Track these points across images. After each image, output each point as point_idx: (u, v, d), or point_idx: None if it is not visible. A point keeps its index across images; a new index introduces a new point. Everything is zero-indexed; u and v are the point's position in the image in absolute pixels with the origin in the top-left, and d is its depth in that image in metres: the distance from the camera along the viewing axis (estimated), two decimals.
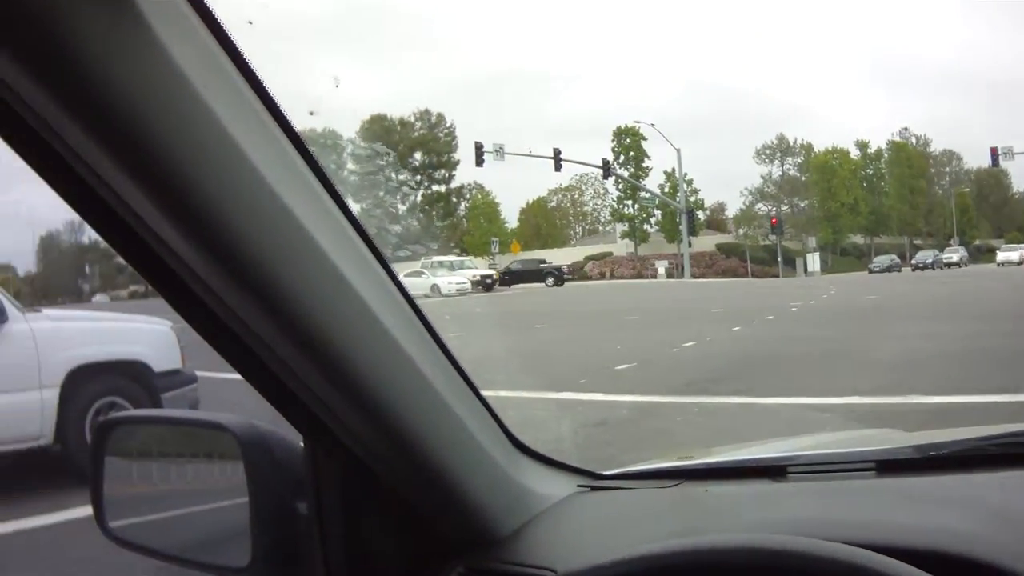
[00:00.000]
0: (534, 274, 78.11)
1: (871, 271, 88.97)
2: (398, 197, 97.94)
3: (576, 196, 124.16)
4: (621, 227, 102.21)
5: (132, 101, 1.22)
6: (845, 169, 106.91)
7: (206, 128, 1.33)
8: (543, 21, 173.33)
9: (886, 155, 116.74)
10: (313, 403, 1.78)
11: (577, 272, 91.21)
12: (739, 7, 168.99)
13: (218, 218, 1.39)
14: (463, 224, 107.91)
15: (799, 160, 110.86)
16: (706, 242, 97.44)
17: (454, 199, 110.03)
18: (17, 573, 8.76)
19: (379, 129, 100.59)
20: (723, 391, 14.73)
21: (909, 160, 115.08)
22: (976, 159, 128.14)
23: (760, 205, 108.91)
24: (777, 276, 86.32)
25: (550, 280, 75.88)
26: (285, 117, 1.50)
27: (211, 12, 1.31)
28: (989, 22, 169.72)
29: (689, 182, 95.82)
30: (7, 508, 10.13)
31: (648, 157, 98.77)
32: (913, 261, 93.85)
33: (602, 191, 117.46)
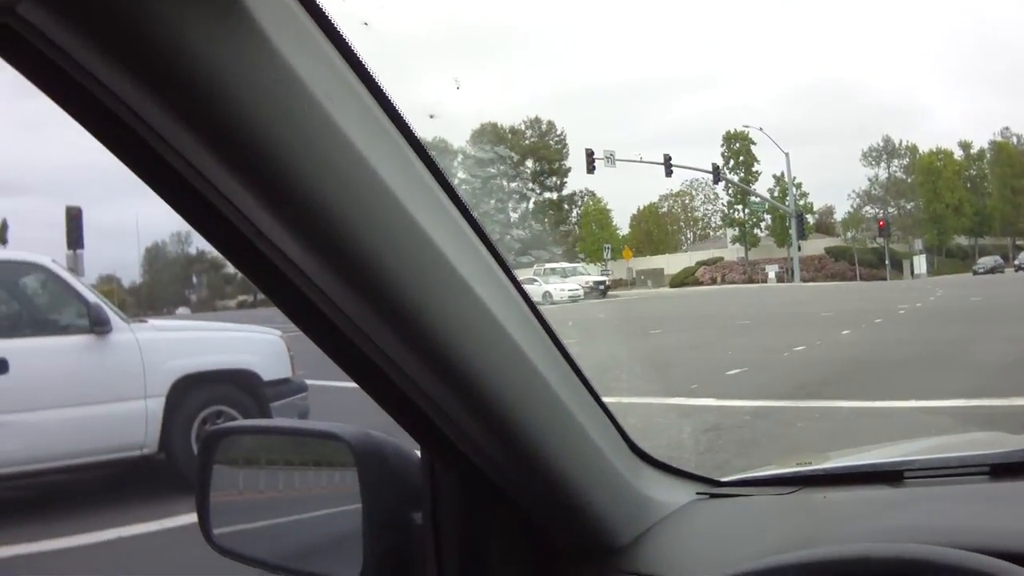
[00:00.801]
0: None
1: (975, 273, 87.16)
2: (510, 205, 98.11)
3: (687, 201, 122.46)
4: (731, 232, 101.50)
5: (249, 110, 1.21)
6: (949, 170, 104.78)
7: (327, 136, 1.31)
8: (650, 30, 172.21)
9: (988, 155, 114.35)
10: (433, 412, 1.74)
11: (688, 277, 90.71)
12: (842, 9, 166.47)
13: (339, 226, 1.37)
14: (575, 231, 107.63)
15: (904, 162, 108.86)
16: (815, 246, 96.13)
17: (566, 206, 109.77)
18: None
19: (490, 137, 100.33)
20: (833, 395, 14.61)
21: (1010, 159, 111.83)
22: None
23: (867, 208, 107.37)
24: (884, 279, 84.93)
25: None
26: (405, 122, 1.47)
27: (327, 17, 1.30)
28: None
29: (798, 186, 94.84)
30: (112, 515, 10.25)
31: (757, 161, 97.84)
32: (1016, 262, 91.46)
33: (712, 196, 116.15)
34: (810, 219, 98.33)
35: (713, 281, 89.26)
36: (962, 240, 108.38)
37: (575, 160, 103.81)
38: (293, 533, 2.29)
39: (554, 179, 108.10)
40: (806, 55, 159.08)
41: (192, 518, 2.26)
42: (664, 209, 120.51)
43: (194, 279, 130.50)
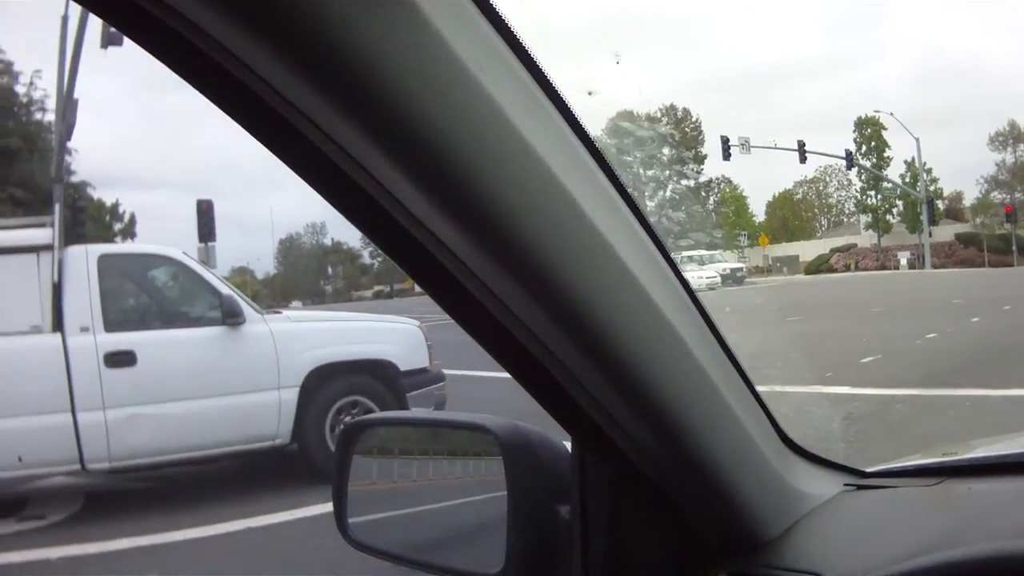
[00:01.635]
0: None
1: None
2: (647, 192, 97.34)
3: (821, 188, 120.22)
4: (864, 218, 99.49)
5: (408, 94, 1.16)
6: None
7: (487, 118, 1.26)
8: (781, 14, 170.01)
9: None
10: (587, 402, 1.66)
11: (823, 264, 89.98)
12: None
13: (500, 211, 1.31)
14: (712, 218, 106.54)
15: None
16: (945, 232, 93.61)
17: (703, 193, 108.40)
18: (254, 569, 8.90)
19: (627, 125, 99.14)
20: (964, 383, 14.42)
21: None
22: None
23: (995, 193, 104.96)
24: (1012, 265, 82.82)
25: None
26: (566, 103, 1.40)
27: None
28: None
29: (928, 171, 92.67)
30: (246, 506, 10.42)
31: (889, 147, 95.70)
32: None
33: (845, 182, 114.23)
34: (940, 205, 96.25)
35: (847, 268, 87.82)
36: None
37: (711, 147, 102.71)
38: (430, 525, 2.25)
39: (691, 166, 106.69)
40: (935, 37, 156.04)
41: (324, 508, 2.23)
42: (799, 196, 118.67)
43: (329, 270, 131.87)
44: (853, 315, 31.88)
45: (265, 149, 1.25)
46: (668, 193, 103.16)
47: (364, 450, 2.24)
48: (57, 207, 12.76)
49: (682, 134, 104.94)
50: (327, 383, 12.15)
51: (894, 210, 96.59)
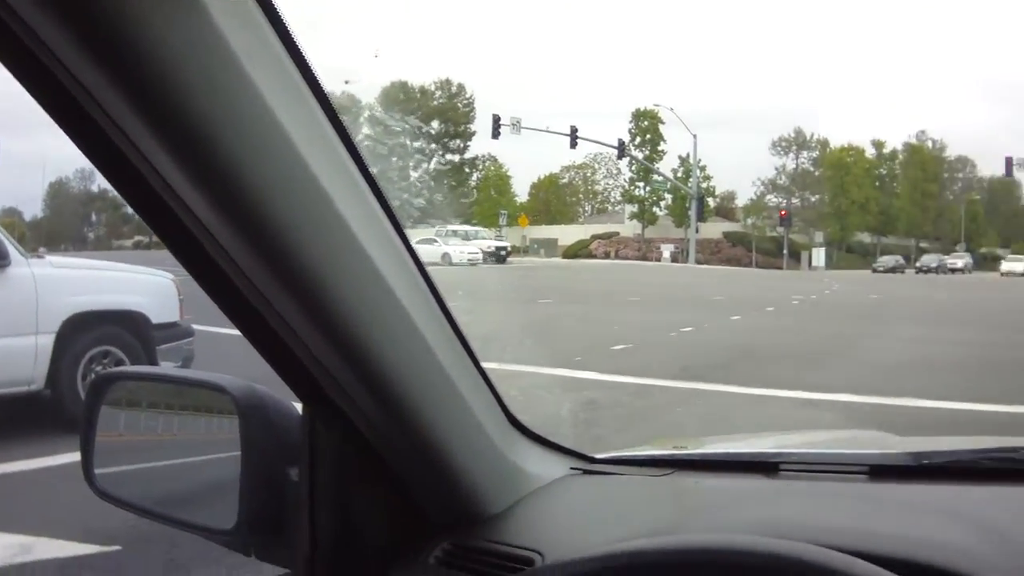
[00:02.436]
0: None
1: (875, 270, 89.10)
2: (411, 164, 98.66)
3: (588, 175, 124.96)
4: (630, 208, 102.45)
5: (161, 56, 1.21)
6: (859, 167, 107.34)
7: (240, 94, 1.32)
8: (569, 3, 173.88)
9: (901, 156, 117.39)
10: (317, 370, 1.76)
11: (582, 249, 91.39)
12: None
13: (236, 173, 1.38)
14: (474, 195, 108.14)
15: (814, 155, 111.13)
16: (714, 229, 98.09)
17: (467, 169, 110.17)
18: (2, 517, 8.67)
19: (399, 95, 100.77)
20: (717, 379, 14.73)
21: (923, 163, 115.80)
22: (991, 167, 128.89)
23: (771, 196, 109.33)
24: (781, 268, 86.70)
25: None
26: (324, 92, 1.51)
27: None
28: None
29: (703, 168, 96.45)
30: None
31: (664, 141, 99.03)
32: (918, 264, 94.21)
33: (615, 171, 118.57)
34: (711, 202, 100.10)
35: (607, 255, 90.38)
36: (865, 237, 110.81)
37: (482, 125, 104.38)
38: (172, 479, 2.30)
39: (458, 141, 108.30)
40: (724, 41, 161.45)
41: (73, 457, 2.25)
42: (565, 180, 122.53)
43: (93, 216, 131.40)
44: (608, 302, 32.57)
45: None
46: (432, 166, 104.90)
47: (112, 401, 2.27)
48: None
49: (454, 109, 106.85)
50: (81, 331, 12.04)
51: (662, 203, 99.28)
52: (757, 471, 2.36)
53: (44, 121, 1.37)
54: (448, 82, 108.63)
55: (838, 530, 1.88)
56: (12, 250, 11.51)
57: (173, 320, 12.99)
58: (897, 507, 2.10)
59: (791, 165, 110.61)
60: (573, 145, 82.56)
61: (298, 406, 1.96)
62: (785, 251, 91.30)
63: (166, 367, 11.10)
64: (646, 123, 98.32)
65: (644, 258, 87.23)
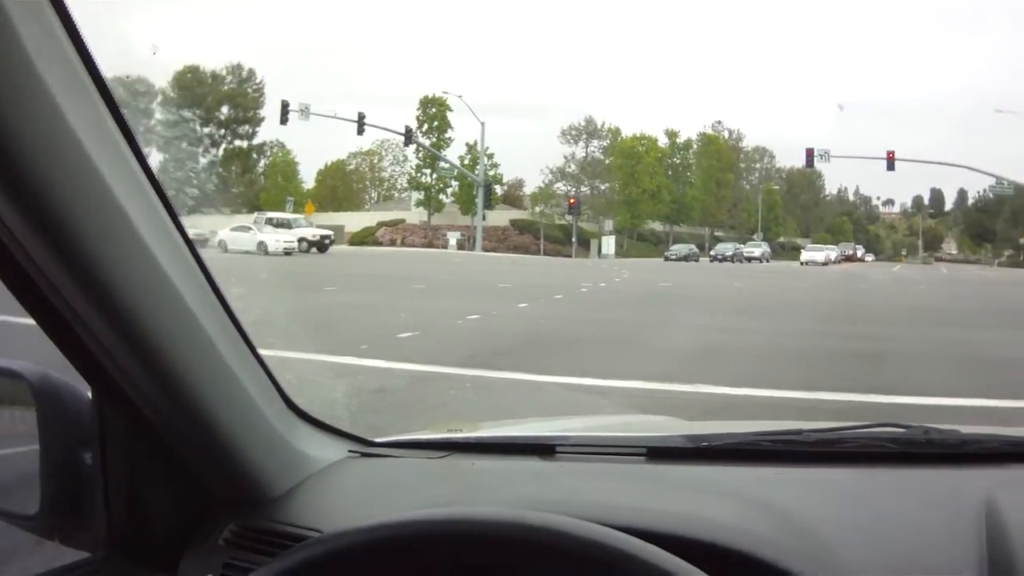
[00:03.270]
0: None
1: (667, 258, 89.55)
2: (200, 150, 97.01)
3: (375, 161, 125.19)
4: (417, 195, 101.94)
5: None
6: (651, 156, 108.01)
7: (22, 78, 1.37)
8: None
9: (696, 146, 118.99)
10: (101, 354, 1.83)
11: (368, 237, 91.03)
12: None
13: (23, 168, 1.44)
14: (260, 181, 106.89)
15: (605, 143, 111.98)
16: (501, 217, 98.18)
17: (255, 156, 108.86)
18: None
19: (191, 80, 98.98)
20: (504, 366, 14.84)
21: (719, 152, 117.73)
22: (792, 158, 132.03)
23: (560, 184, 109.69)
24: (569, 256, 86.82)
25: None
26: (100, 72, 1.56)
27: None
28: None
29: (490, 156, 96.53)
30: None
31: (452, 128, 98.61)
32: (712, 252, 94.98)
33: (402, 158, 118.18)
34: (498, 190, 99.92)
35: (393, 243, 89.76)
36: (657, 226, 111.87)
37: (271, 110, 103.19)
38: None
39: (247, 127, 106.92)
40: (514, 29, 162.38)
41: None
42: (352, 167, 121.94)
43: None
44: (395, 290, 32.32)
45: None
46: (220, 152, 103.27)
47: None
48: None
49: (244, 94, 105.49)
50: None
51: (448, 190, 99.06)
52: (534, 453, 2.46)
53: None
54: (239, 67, 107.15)
55: (613, 507, 1.99)
56: None
57: None
58: (673, 487, 2.22)
59: (581, 153, 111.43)
60: (360, 131, 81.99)
61: (89, 391, 2.02)
62: (574, 239, 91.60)
63: None
64: (434, 110, 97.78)
65: (431, 245, 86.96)
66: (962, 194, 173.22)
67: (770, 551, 1.81)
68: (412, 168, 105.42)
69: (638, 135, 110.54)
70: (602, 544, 1.58)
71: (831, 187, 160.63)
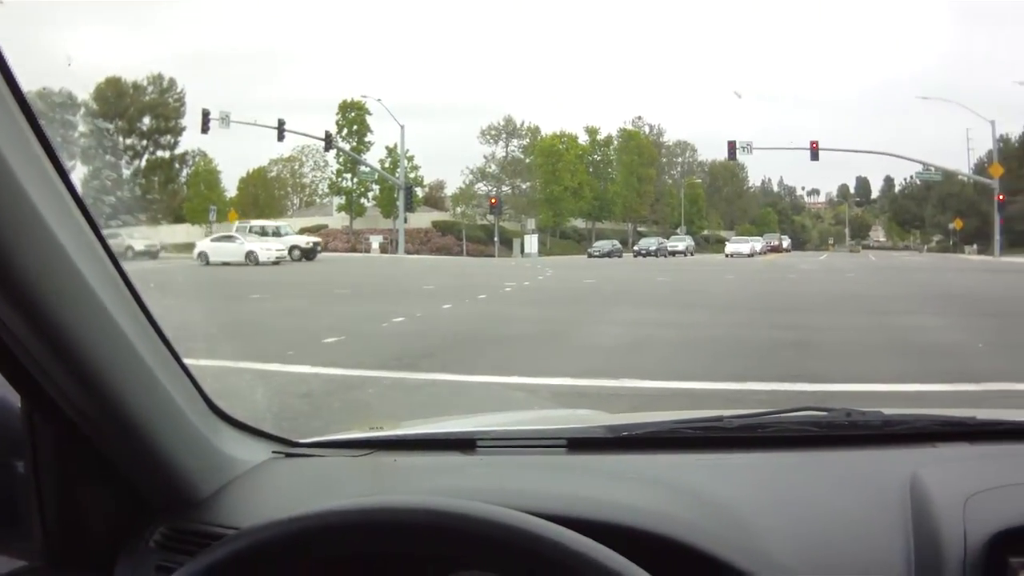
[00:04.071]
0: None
1: (590, 255, 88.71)
2: (123, 161, 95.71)
3: (296, 167, 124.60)
4: (338, 200, 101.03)
5: None
6: (572, 153, 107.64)
7: None
8: None
9: (616, 142, 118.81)
10: (29, 363, 1.85)
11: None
12: None
13: None
14: (183, 191, 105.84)
15: (525, 142, 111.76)
16: (423, 219, 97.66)
17: (177, 165, 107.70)
18: None
19: (113, 92, 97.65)
20: (429, 367, 14.80)
21: (639, 148, 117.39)
22: (713, 151, 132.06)
23: (480, 185, 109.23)
24: (492, 255, 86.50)
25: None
26: (18, 85, 1.60)
27: None
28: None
29: (410, 158, 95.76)
30: None
31: (371, 132, 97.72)
32: (635, 248, 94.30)
33: (322, 163, 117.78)
34: (420, 192, 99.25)
35: None
36: (579, 223, 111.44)
37: (192, 120, 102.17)
38: None
39: (169, 137, 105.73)
40: (431, 31, 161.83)
41: None
42: (273, 174, 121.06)
43: None
44: (318, 295, 32.28)
45: None
46: (143, 163, 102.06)
47: None
48: None
49: (165, 104, 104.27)
50: None
51: (369, 194, 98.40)
52: (455, 449, 2.56)
53: None
54: (160, 77, 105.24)
55: (531, 495, 2.08)
56: None
57: None
58: (593, 475, 2.30)
59: (501, 153, 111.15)
60: (281, 138, 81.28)
61: (18, 400, 2.06)
62: (496, 239, 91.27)
63: None
64: (353, 114, 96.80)
65: (353, 250, 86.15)
66: (888, 181, 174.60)
67: (688, 533, 1.90)
68: (333, 173, 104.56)
69: (558, 133, 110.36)
70: (507, 525, 1.64)
71: (755, 179, 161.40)
